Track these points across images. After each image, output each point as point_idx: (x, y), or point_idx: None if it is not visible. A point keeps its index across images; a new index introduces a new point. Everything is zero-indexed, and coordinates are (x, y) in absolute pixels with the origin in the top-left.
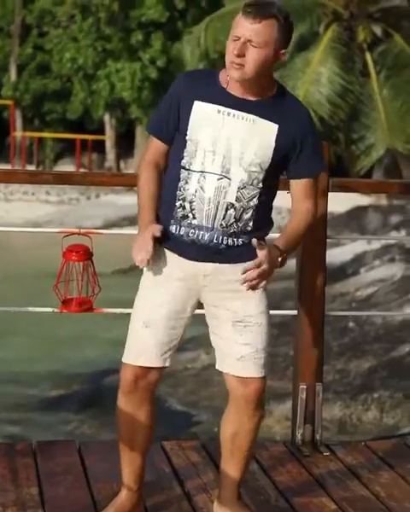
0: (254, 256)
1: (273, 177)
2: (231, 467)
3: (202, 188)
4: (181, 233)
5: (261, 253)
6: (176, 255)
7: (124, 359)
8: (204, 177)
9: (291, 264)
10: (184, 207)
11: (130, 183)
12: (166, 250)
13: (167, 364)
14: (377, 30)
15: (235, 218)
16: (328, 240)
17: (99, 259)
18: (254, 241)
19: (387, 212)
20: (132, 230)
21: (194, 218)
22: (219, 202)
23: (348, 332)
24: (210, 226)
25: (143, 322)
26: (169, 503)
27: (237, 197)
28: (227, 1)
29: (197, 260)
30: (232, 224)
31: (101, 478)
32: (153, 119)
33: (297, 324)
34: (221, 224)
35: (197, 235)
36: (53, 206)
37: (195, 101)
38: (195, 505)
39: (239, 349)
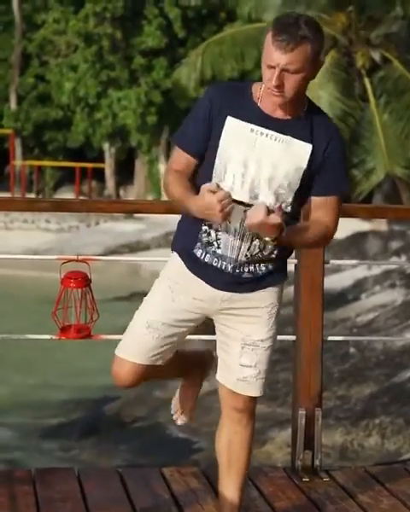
0: (274, 282)
1: (299, 200)
2: (229, 484)
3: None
4: (206, 260)
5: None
6: (195, 277)
7: (116, 351)
8: (232, 207)
9: (290, 290)
10: (209, 234)
11: (128, 210)
12: (185, 269)
13: (153, 362)
14: (376, 56)
15: (259, 248)
16: (328, 265)
17: (98, 286)
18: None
19: (387, 237)
20: (129, 257)
21: (218, 247)
22: (244, 234)
23: (348, 358)
24: (234, 257)
25: (146, 321)
26: None
27: None
28: (226, 27)
29: (219, 289)
30: (257, 254)
31: (100, 505)
32: (181, 131)
33: (296, 350)
34: (246, 255)
35: (221, 265)
36: (53, 234)
37: (227, 117)
38: None
39: (243, 370)
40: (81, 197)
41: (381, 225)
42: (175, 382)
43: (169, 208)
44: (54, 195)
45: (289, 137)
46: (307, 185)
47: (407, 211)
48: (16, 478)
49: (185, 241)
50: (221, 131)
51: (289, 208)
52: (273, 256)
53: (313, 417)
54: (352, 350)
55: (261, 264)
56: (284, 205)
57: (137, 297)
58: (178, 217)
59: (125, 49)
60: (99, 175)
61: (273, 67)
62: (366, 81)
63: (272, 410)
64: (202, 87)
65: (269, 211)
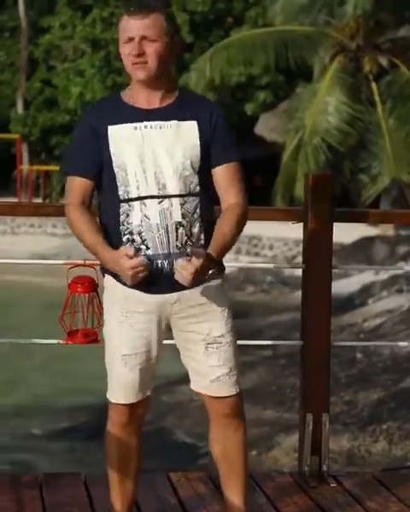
0: (214, 274)
1: (206, 177)
2: (232, 489)
3: (146, 216)
4: None
5: (196, 261)
6: (136, 291)
7: (109, 397)
8: (145, 205)
9: (297, 294)
10: (133, 240)
11: None
12: (123, 287)
13: (150, 393)
14: (383, 61)
15: (187, 235)
16: (335, 270)
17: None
18: (190, 250)
19: (394, 242)
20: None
21: (147, 248)
22: (167, 225)
23: (355, 363)
24: (166, 252)
25: (118, 360)
26: None
27: (182, 214)
28: (233, 32)
29: (163, 292)
30: (186, 242)
31: (107, 510)
32: (67, 161)
33: (303, 355)
34: (176, 246)
35: (157, 265)
36: (59, 238)
37: (108, 127)
38: None
39: (213, 371)
40: None
41: (388, 230)
42: (181, 386)
43: None
44: (61, 200)
45: (173, 121)
46: (208, 160)
47: None
48: (23, 483)
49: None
50: (108, 143)
51: (198, 188)
52: (202, 242)
53: (321, 422)
54: (359, 355)
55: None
56: (192, 186)
57: None
58: None
59: None
60: None
61: (132, 39)
62: (374, 86)
63: (279, 415)
64: (210, 92)
65: (188, 260)
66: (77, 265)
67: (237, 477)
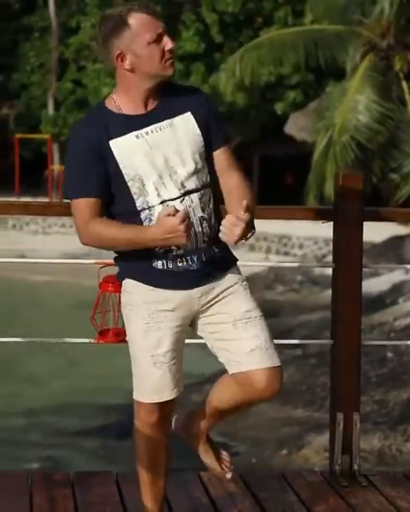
0: (230, 263)
1: (210, 164)
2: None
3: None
4: (170, 267)
5: (244, 215)
6: (161, 290)
7: (137, 398)
8: (168, 206)
9: (328, 293)
10: None
11: None
12: (148, 288)
13: (180, 392)
14: None
15: (209, 227)
16: (365, 269)
17: None
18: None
19: None
20: None
21: (178, 248)
22: (192, 222)
23: (386, 362)
24: (195, 247)
25: (148, 360)
26: None
27: (202, 208)
28: (262, 32)
29: (191, 288)
30: (209, 231)
31: (138, 509)
32: (71, 186)
33: (333, 354)
34: (203, 240)
35: (187, 262)
36: None
37: (109, 142)
38: None
39: (248, 343)
40: None
41: None
42: (211, 385)
43: None
44: None
45: (168, 120)
46: (209, 145)
47: None
48: (55, 481)
49: (138, 262)
50: (115, 158)
51: (208, 178)
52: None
53: (351, 421)
54: (390, 354)
55: (213, 247)
56: (204, 177)
57: None
58: None
59: None
60: None
61: (162, 33)
62: (404, 85)
63: (310, 415)
64: (240, 92)
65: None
66: (107, 265)
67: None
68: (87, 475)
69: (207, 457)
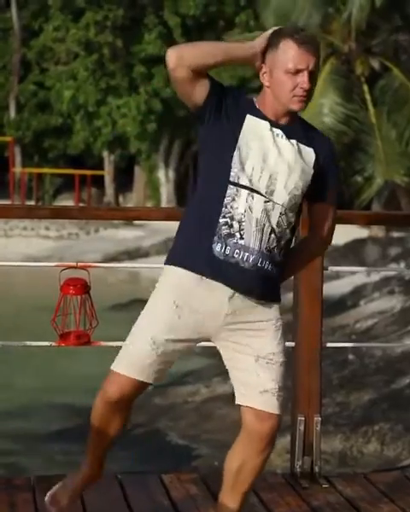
0: (275, 297)
1: (301, 208)
2: (231, 500)
3: (250, 208)
4: (227, 252)
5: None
6: (208, 280)
7: (114, 368)
8: (252, 197)
9: (289, 296)
10: (231, 226)
11: (128, 217)
12: (196, 277)
13: (156, 382)
14: (375, 64)
15: (276, 243)
16: (327, 272)
17: (97, 293)
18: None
19: (386, 243)
20: (129, 264)
21: (241, 238)
22: (264, 225)
23: (347, 364)
24: (257, 249)
25: (150, 338)
26: None
27: (277, 222)
28: (225, 35)
29: (235, 285)
30: (274, 249)
31: (99, 509)
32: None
33: (295, 356)
34: (266, 248)
35: (243, 257)
36: (52, 241)
37: (247, 115)
38: None
39: (263, 382)
40: (81, 204)
41: (380, 232)
42: (174, 388)
43: (169, 215)
44: (54, 203)
45: (296, 142)
46: (310, 191)
47: (405, 217)
48: (16, 485)
49: (199, 241)
50: (241, 125)
51: (294, 216)
52: (278, 259)
53: (313, 424)
54: (351, 356)
55: (272, 265)
56: (294, 207)
57: (136, 304)
58: (176, 223)
59: (125, 57)
60: (99, 182)
61: (302, 70)
62: (366, 88)
63: None
64: None
65: None
66: (69, 267)
67: (239, 493)
68: (47, 479)
69: None
